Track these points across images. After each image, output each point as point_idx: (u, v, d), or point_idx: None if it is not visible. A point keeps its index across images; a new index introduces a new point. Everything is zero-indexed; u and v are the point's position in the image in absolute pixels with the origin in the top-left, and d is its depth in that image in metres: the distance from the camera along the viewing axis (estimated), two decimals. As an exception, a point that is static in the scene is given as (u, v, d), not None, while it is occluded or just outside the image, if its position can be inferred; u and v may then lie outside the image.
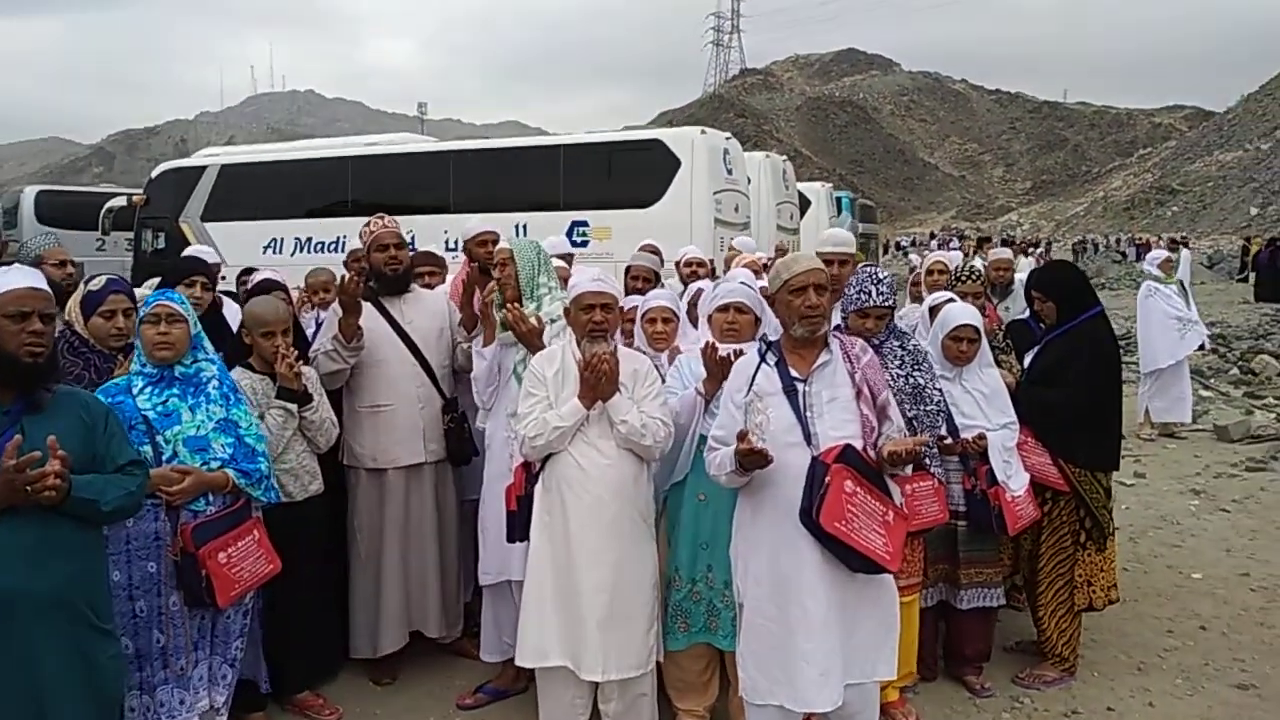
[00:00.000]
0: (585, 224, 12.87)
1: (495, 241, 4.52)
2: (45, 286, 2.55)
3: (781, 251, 6.29)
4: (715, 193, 12.70)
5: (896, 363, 3.61)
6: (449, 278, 5.00)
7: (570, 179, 13.15)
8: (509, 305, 3.72)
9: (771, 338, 3.17)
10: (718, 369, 3.32)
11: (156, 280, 4.15)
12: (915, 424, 3.53)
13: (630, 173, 12.96)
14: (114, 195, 17.50)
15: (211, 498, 3.10)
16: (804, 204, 19.84)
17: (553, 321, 3.71)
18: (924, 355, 3.75)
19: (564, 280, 3.92)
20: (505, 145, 14.55)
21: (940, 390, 3.69)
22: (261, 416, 3.50)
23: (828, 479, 2.78)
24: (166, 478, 2.96)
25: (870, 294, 3.57)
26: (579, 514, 3.26)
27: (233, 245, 13.88)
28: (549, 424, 3.25)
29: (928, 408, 3.59)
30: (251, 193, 14.43)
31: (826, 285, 2.99)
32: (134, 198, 15.45)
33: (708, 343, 3.42)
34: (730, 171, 13.37)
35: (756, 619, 2.98)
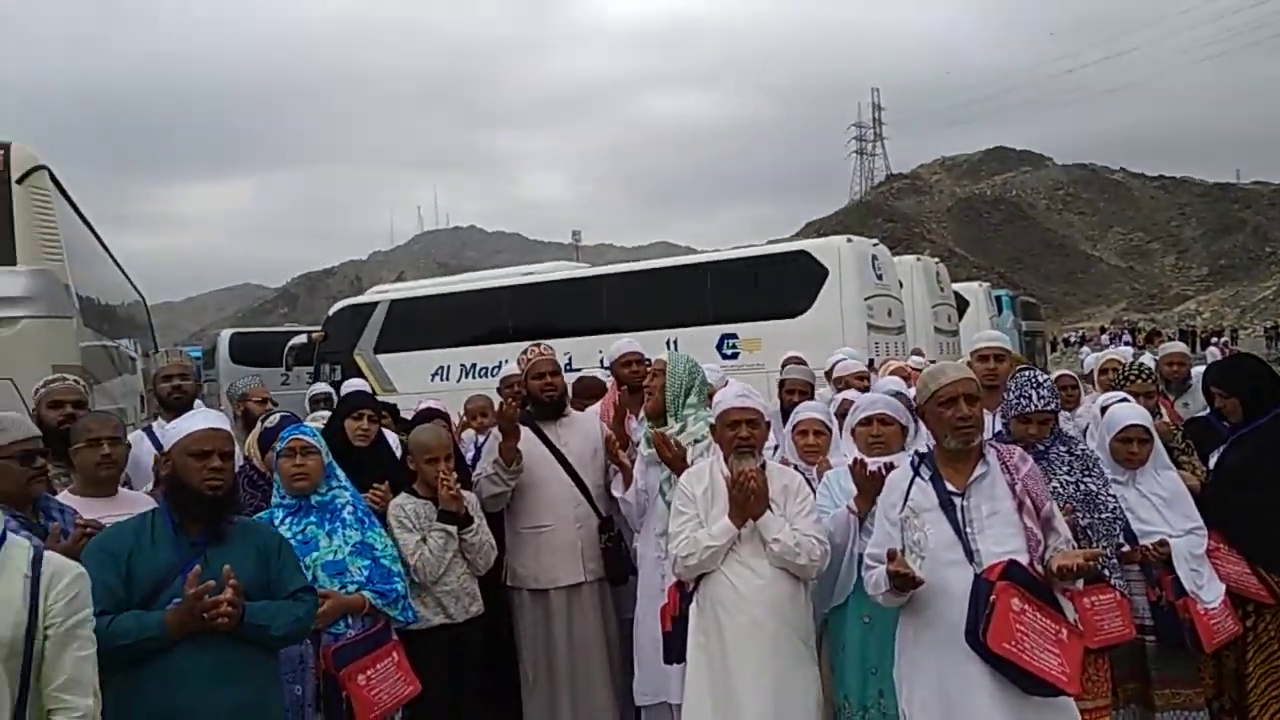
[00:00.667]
0: (735, 336, 13.00)
1: (640, 361, 4.64)
2: (225, 427, 2.80)
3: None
4: (866, 299, 12.63)
5: (1065, 469, 3.45)
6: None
7: (718, 294, 13.36)
8: (654, 431, 3.80)
9: (922, 449, 3.11)
10: (868, 485, 3.27)
11: (325, 413, 4.44)
12: (1090, 533, 3.34)
13: (777, 284, 13.08)
14: (296, 334, 18.90)
15: (351, 620, 3.24)
16: (962, 305, 19.40)
17: (697, 442, 3.76)
18: (1094, 460, 3.57)
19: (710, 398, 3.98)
20: (653, 266, 14.98)
21: (1114, 496, 3.49)
22: (424, 540, 3.64)
23: (993, 597, 2.67)
24: None
25: (1031, 398, 3.45)
26: (735, 635, 3.21)
27: (403, 375, 14.73)
28: (700, 543, 3.24)
29: (1102, 515, 3.40)
30: (418, 324, 15.30)
31: (977, 394, 2.93)
32: (313, 335, 16.64)
33: (856, 459, 3.37)
34: (880, 276, 13.30)
35: None
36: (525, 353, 4.50)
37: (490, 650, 4.07)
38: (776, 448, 4.16)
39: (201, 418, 2.80)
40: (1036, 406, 3.45)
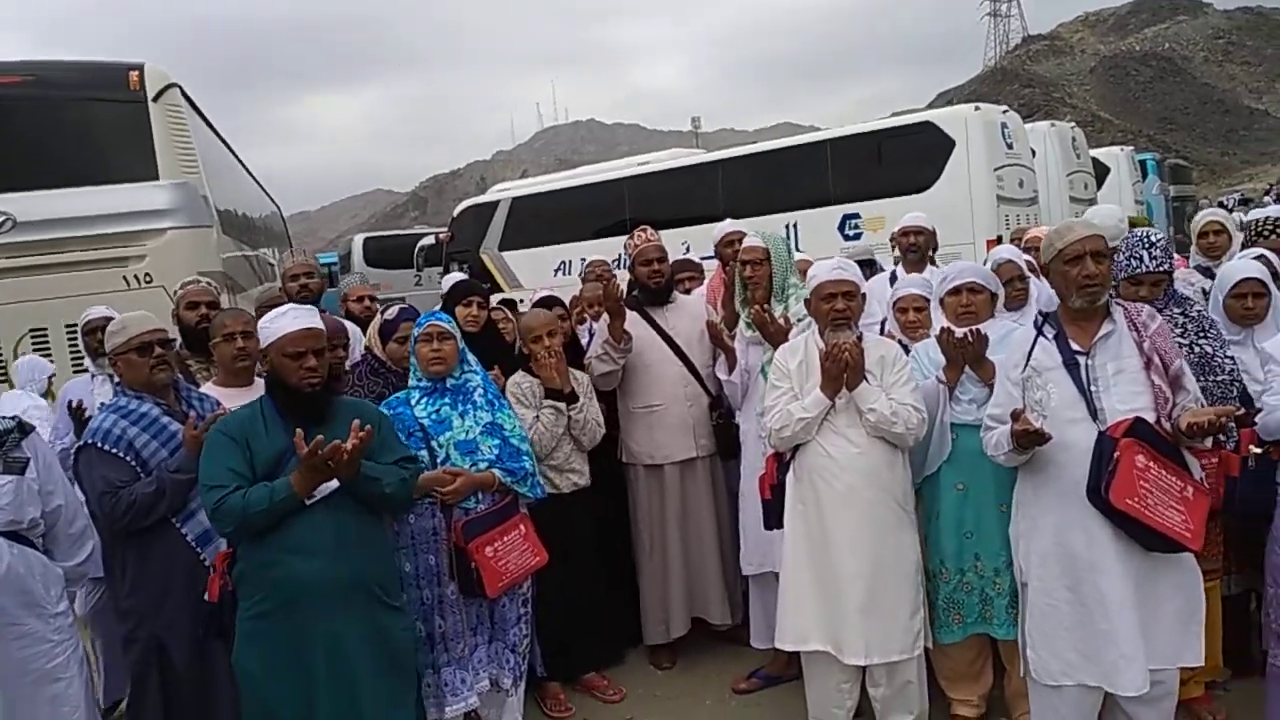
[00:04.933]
0: (857, 216, 12.70)
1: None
2: (318, 324, 2.92)
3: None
4: (996, 169, 12.10)
5: (1179, 331, 3.31)
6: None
7: (839, 173, 13.00)
8: (756, 306, 3.82)
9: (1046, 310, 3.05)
10: (957, 354, 3.23)
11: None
12: (1206, 395, 3.22)
13: (902, 159, 12.61)
14: (424, 235, 19.46)
15: (481, 496, 3.43)
16: (1102, 172, 18.33)
17: (799, 320, 3.77)
18: (1210, 321, 3.41)
19: (802, 273, 3.97)
20: (770, 148, 14.63)
21: (1231, 359, 3.34)
22: (538, 417, 3.82)
23: (1117, 454, 2.66)
24: (440, 479, 3.32)
25: (1142, 259, 3.32)
26: (832, 502, 3.29)
27: (527, 271, 15.05)
28: (793, 415, 3.30)
29: (1218, 378, 3.26)
30: (540, 221, 15.51)
31: (1105, 251, 2.83)
32: (440, 236, 17.11)
33: (943, 328, 3.33)
34: (1011, 145, 12.67)
35: (1044, 600, 2.90)
36: (632, 238, 4.56)
37: (598, 521, 4.25)
38: (885, 321, 4.13)
39: (292, 318, 2.89)
40: (1148, 268, 3.31)
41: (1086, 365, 2.81)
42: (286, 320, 2.87)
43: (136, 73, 6.59)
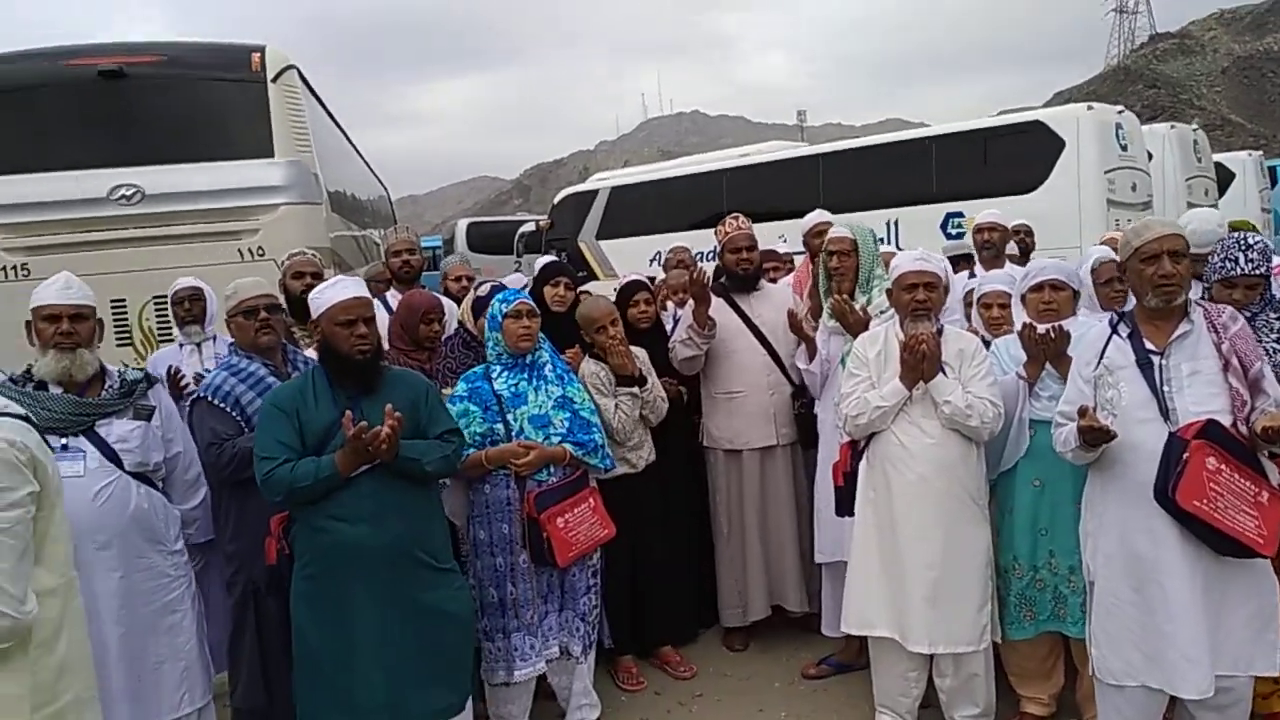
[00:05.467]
0: (960, 215, 12.44)
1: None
2: (366, 294, 3.03)
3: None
4: (1107, 171, 11.72)
5: (1274, 336, 3.20)
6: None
7: (943, 170, 12.77)
8: (837, 296, 3.84)
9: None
10: (1037, 350, 3.21)
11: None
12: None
13: (1009, 158, 12.31)
14: (525, 222, 19.81)
15: (553, 469, 3.53)
16: (1227, 177, 17.52)
17: (881, 312, 3.77)
18: None
19: (887, 265, 3.97)
20: (873, 143, 14.46)
21: None
22: (617, 406, 3.92)
23: (1186, 455, 2.62)
24: (514, 452, 3.44)
25: (1238, 261, 3.22)
26: (903, 491, 3.30)
27: (624, 259, 15.19)
28: (870, 403, 3.32)
29: (1314, 385, 3.14)
30: (637, 210, 15.63)
31: (1184, 251, 2.78)
32: (540, 223, 17.40)
33: (1025, 323, 3.31)
34: (1125, 147, 12.25)
35: (1108, 599, 2.87)
36: (723, 225, 4.60)
37: (670, 499, 4.32)
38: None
39: (343, 288, 2.99)
40: (1244, 270, 3.21)
41: (1160, 365, 2.77)
42: (336, 290, 2.98)
43: (258, 54, 6.90)
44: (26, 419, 2.08)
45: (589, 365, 4.00)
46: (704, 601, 4.57)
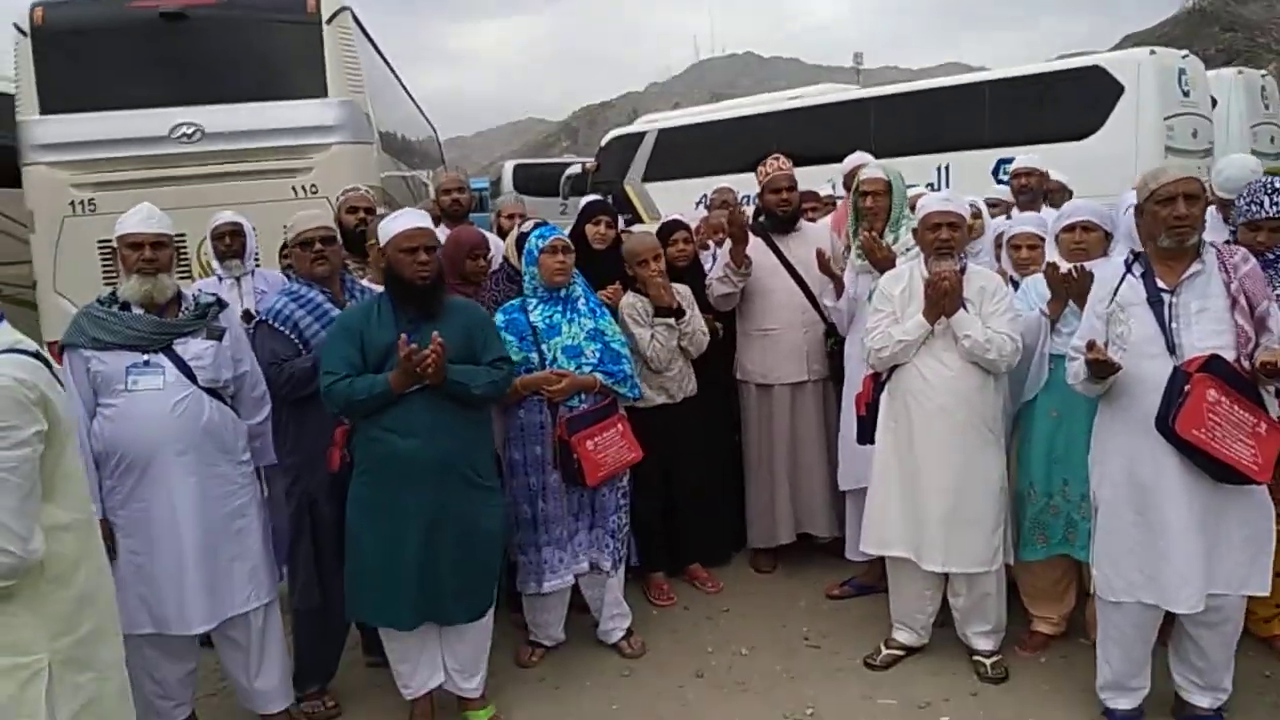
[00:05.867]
0: (1012, 161, 12.30)
1: None
2: (429, 224, 3.25)
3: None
4: (1167, 118, 11.49)
5: (1293, 279, 3.28)
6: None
7: (996, 115, 12.59)
8: (866, 233, 3.96)
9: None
10: (1061, 288, 3.31)
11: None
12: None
13: (1065, 104, 12.09)
14: (571, 164, 19.87)
15: (584, 396, 3.72)
16: (1301, 123, 16.99)
17: (907, 250, 3.88)
18: None
19: (912, 206, 4.06)
20: (924, 87, 14.27)
21: None
22: (654, 336, 4.10)
23: (1188, 387, 2.73)
24: (548, 379, 3.64)
25: (1263, 204, 3.30)
26: (922, 420, 3.45)
27: (670, 202, 15.22)
28: (893, 337, 3.46)
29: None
30: (685, 153, 15.61)
31: (1199, 194, 2.87)
32: (587, 165, 17.47)
33: (1049, 262, 3.41)
34: (1188, 93, 11.98)
35: (1112, 521, 3.01)
36: (764, 165, 4.71)
37: (706, 428, 4.52)
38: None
39: (408, 218, 3.23)
40: (1269, 213, 3.29)
41: (1170, 303, 2.87)
42: (402, 220, 3.23)
43: (313, -5, 7.06)
44: (38, 355, 2.10)
45: (628, 298, 4.18)
46: (736, 528, 4.78)
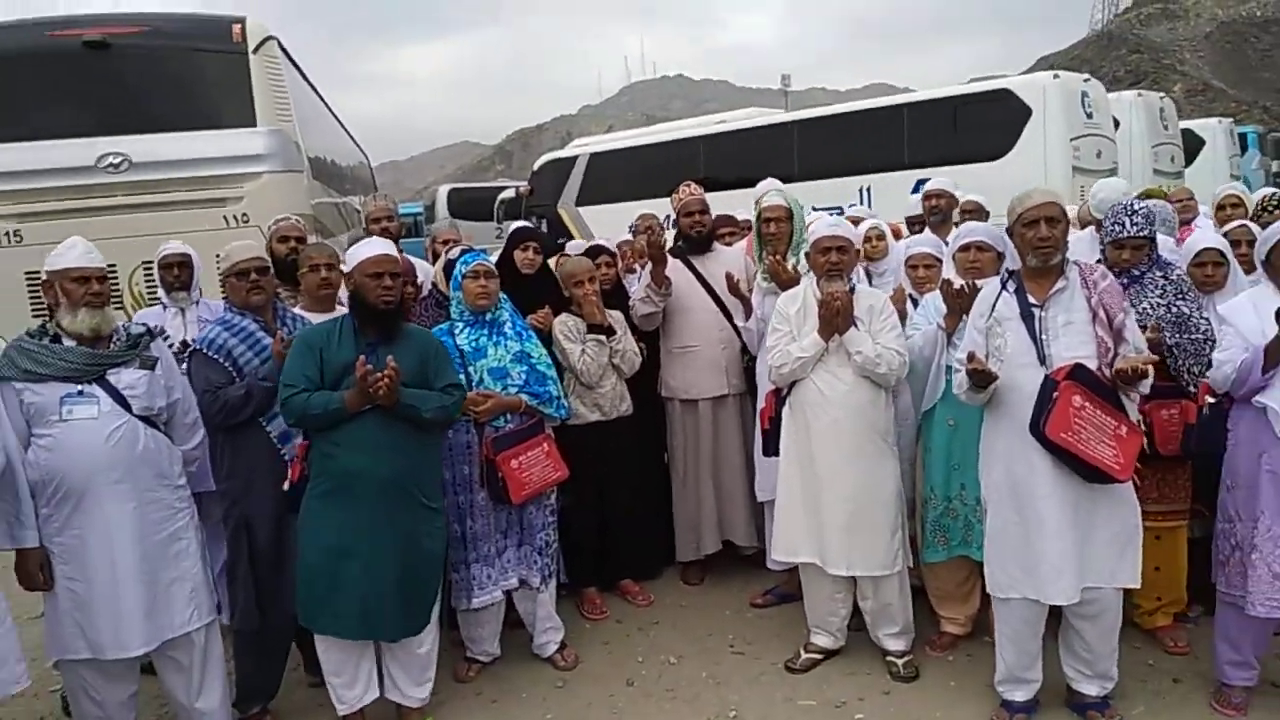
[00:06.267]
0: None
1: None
2: (394, 253, 3.42)
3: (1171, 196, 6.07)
4: (1073, 139, 12.07)
5: (1158, 293, 3.60)
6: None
7: (914, 137, 13.07)
8: (772, 257, 4.21)
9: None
10: (955, 303, 3.57)
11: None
12: (1176, 351, 3.53)
13: (978, 126, 12.62)
14: (505, 188, 20.00)
15: (510, 416, 3.88)
16: (1197, 144, 17.86)
17: (808, 272, 4.13)
18: (1188, 285, 3.71)
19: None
20: (846, 110, 14.75)
21: (1207, 319, 3.60)
22: (584, 350, 4.28)
23: (1055, 394, 2.99)
24: (474, 401, 3.78)
25: (1124, 225, 3.61)
26: (820, 433, 3.69)
27: (603, 226, 15.44)
28: (791, 354, 3.69)
29: (1193, 336, 3.54)
30: (616, 177, 15.89)
31: (1059, 218, 3.15)
32: (520, 189, 17.62)
33: (944, 279, 3.67)
34: (1091, 115, 12.60)
35: (995, 521, 3.27)
36: (677, 192, 4.95)
37: (638, 447, 4.71)
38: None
39: (373, 246, 3.43)
40: (1130, 233, 3.60)
41: (1040, 317, 3.14)
42: (369, 247, 3.42)
43: (239, 26, 7.10)
44: None
45: (562, 317, 4.39)
46: (666, 542, 4.96)
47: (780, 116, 15.66)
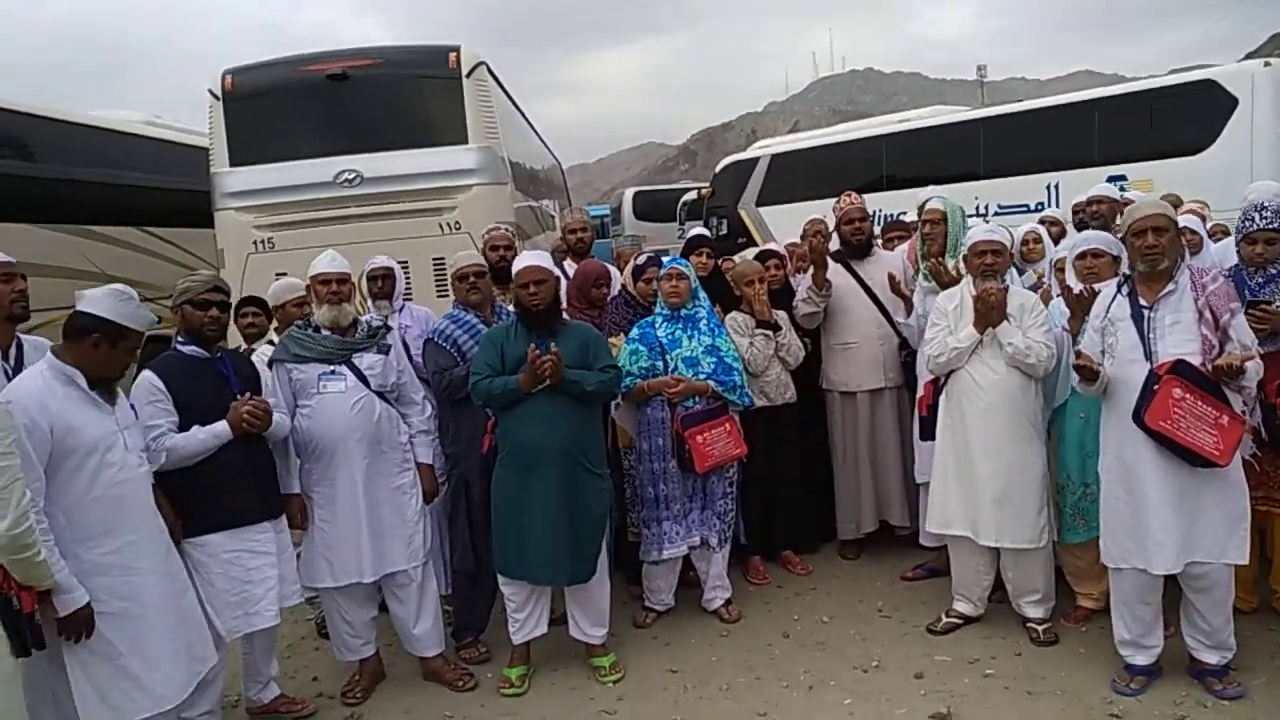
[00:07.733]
0: (1124, 178, 12.37)
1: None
2: (539, 263, 4.01)
3: None
4: (1285, 130, 11.41)
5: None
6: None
7: (1106, 133, 12.67)
8: (934, 259, 4.58)
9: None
10: (1077, 306, 3.86)
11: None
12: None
13: (1176, 119, 12.10)
14: (688, 190, 20.61)
15: (698, 399, 4.45)
16: None
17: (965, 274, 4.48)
18: None
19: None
20: (1033, 107, 14.42)
21: None
22: (751, 343, 4.82)
23: (1156, 386, 3.31)
24: (667, 383, 4.39)
25: (1254, 219, 3.82)
26: (974, 417, 4.07)
27: (782, 226, 15.78)
28: (949, 345, 4.09)
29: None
30: (796, 177, 16.09)
31: (1165, 227, 3.44)
32: (701, 191, 18.14)
33: (1065, 285, 3.98)
34: (1309, 104, 11.84)
35: (1109, 500, 3.61)
36: (839, 201, 5.40)
37: (802, 431, 5.22)
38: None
39: (523, 259, 4.08)
40: (1259, 226, 3.81)
41: (1149, 317, 3.44)
42: (520, 261, 4.10)
43: (454, 54, 7.96)
44: None
45: (734, 314, 4.95)
46: (825, 520, 5.43)
47: (966, 114, 15.47)
